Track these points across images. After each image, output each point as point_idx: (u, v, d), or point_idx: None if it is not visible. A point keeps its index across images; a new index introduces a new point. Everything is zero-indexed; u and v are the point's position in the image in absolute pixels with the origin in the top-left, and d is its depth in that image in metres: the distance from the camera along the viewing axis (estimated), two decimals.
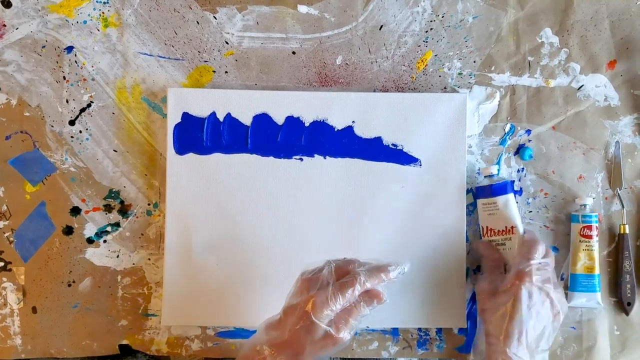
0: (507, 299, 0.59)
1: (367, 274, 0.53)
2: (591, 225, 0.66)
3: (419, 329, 0.68)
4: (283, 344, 0.52)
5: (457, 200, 0.66)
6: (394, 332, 0.68)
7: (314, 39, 0.67)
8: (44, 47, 0.67)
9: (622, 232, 0.67)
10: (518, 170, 0.68)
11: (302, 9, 0.67)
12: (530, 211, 0.68)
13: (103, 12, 0.67)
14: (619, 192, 0.68)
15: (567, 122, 0.68)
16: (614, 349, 0.68)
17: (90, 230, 0.67)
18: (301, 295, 0.53)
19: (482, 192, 0.65)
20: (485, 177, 0.66)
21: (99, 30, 0.67)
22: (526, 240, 0.62)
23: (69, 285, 0.67)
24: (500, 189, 0.64)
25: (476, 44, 0.68)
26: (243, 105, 0.66)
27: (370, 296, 0.54)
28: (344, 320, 0.52)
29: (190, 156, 0.66)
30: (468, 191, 0.68)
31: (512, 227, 0.64)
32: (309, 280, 0.54)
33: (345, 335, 0.52)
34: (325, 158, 0.66)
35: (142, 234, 0.67)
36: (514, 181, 0.67)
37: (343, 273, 0.54)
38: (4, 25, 0.66)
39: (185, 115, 0.66)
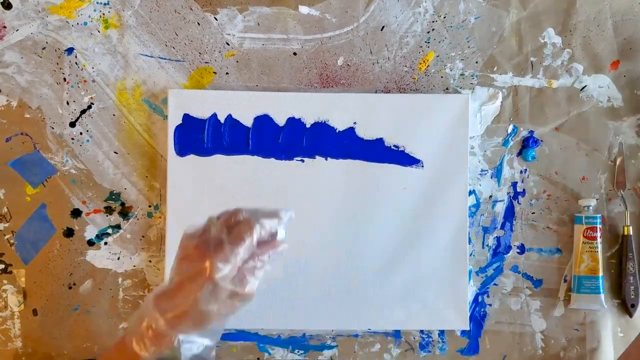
0: None
1: (259, 220, 0.49)
2: (594, 227, 0.66)
3: (421, 331, 0.67)
4: (183, 316, 0.47)
5: (459, 201, 0.66)
6: (396, 334, 0.67)
7: (315, 40, 0.67)
8: (44, 48, 0.66)
9: (625, 233, 0.67)
10: (521, 172, 0.68)
11: (303, 9, 0.67)
12: (533, 212, 0.68)
13: (103, 14, 0.66)
14: (622, 193, 0.67)
15: (570, 123, 0.68)
16: (617, 350, 0.67)
17: (90, 233, 0.67)
18: (195, 261, 0.48)
19: None
20: None
21: (99, 31, 0.67)
22: None
23: (70, 288, 0.67)
24: None
25: (478, 45, 0.67)
26: (244, 107, 0.66)
27: (269, 246, 0.50)
28: (247, 272, 0.48)
29: (191, 158, 0.65)
30: (470, 192, 0.67)
31: None
32: (201, 244, 0.48)
33: (253, 287, 0.49)
34: (326, 159, 0.66)
35: (143, 236, 0.67)
36: None
37: (232, 225, 0.49)
38: (4, 27, 0.66)
39: (186, 117, 0.65)
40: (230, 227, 0.49)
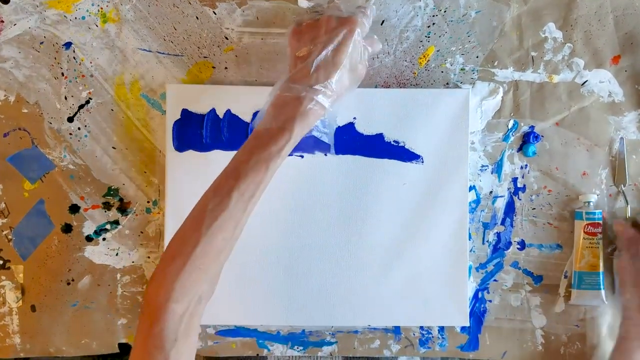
0: None
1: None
2: (595, 223, 0.65)
3: (421, 328, 0.67)
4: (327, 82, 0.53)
5: (459, 197, 0.66)
6: (396, 330, 0.67)
7: None
8: (42, 43, 0.66)
9: None
10: (521, 167, 0.67)
11: (303, 3, 0.66)
12: (534, 208, 0.68)
13: (101, 8, 0.66)
14: (623, 189, 0.67)
15: (570, 118, 0.67)
16: None
17: (89, 228, 0.66)
18: (332, 27, 0.54)
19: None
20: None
21: (97, 26, 0.66)
22: None
23: (68, 284, 0.66)
24: None
25: (479, 39, 0.67)
26: (243, 102, 0.65)
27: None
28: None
29: (190, 153, 0.65)
30: (470, 188, 0.67)
31: None
32: (332, 12, 0.56)
33: (366, 63, 0.57)
34: (326, 155, 0.66)
35: (141, 232, 0.67)
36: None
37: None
38: (2, 22, 0.66)
39: (185, 112, 0.65)
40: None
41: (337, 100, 0.55)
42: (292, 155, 0.65)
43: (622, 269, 0.64)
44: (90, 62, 0.66)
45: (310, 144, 0.58)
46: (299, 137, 0.53)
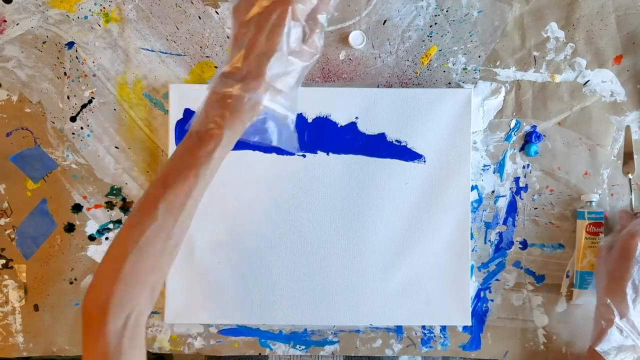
0: (614, 255, 0.61)
1: None
2: (597, 222, 0.65)
3: (423, 327, 0.67)
4: (261, 75, 0.45)
5: (461, 197, 0.66)
6: (398, 329, 0.67)
7: None
8: (44, 42, 0.66)
9: None
10: (523, 167, 0.67)
11: None
12: (536, 208, 0.68)
13: (104, 7, 0.66)
14: (631, 177, 0.66)
15: (573, 117, 0.67)
16: None
17: (92, 228, 0.67)
18: (268, 7, 0.45)
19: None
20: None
21: (100, 25, 0.66)
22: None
23: (71, 283, 0.67)
24: None
25: (481, 39, 0.67)
26: None
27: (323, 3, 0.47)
28: (311, 27, 0.47)
29: None
30: (473, 188, 0.67)
31: None
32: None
33: (319, 41, 0.48)
34: (328, 154, 0.66)
35: None
36: None
37: None
38: (5, 21, 0.66)
39: (187, 112, 0.65)
40: None
41: (281, 93, 0.46)
42: (293, 155, 0.65)
43: (599, 252, 0.64)
44: (93, 62, 0.66)
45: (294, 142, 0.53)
46: (233, 139, 0.47)
